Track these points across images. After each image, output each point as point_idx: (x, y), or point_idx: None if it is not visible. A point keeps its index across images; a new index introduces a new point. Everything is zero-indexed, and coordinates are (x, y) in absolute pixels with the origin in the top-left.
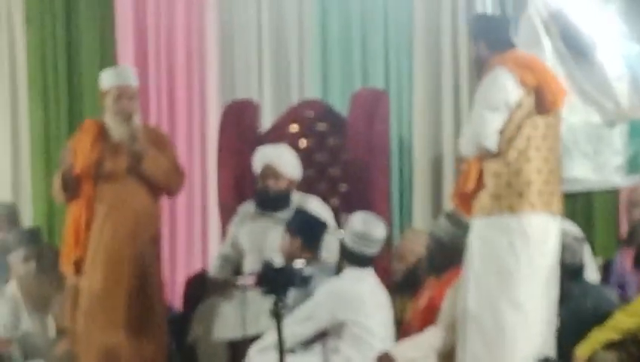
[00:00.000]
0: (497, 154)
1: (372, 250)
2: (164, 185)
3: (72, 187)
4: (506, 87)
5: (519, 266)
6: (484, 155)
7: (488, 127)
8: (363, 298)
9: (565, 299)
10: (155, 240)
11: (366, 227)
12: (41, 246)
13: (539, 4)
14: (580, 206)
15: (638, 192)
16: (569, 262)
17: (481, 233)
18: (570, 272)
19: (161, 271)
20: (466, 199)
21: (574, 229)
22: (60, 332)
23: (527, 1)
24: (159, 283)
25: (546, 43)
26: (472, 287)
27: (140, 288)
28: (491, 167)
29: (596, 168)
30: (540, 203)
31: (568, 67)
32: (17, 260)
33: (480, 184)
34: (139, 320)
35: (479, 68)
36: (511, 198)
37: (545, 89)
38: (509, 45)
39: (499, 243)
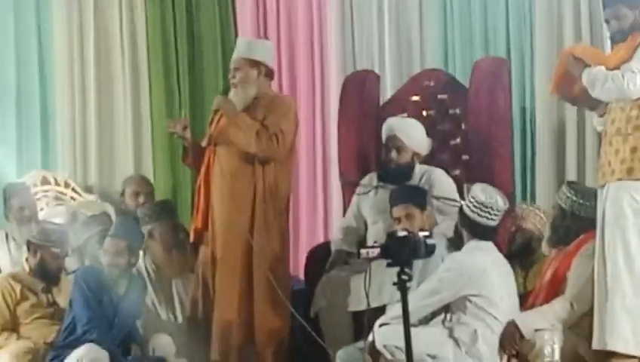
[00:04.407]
0: None
1: (494, 222)
2: (246, 149)
3: (192, 156)
4: None
5: None
6: None
7: None
8: (486, 271)
9: None
10: (281, 212)
11: (488, 197)
12: (172, 220)
13: None
14: None
15: None
16: None
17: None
18: None
19: (287, 244)
20: None
21: None
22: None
23: None
24: (283, 256)
25: None
26: (609, 252)
27: (261, 260)
28: None
29: None
30: None
31: None
32: (147, 235)
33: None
34: (261, 292)
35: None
36: None
37: None
38: None
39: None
